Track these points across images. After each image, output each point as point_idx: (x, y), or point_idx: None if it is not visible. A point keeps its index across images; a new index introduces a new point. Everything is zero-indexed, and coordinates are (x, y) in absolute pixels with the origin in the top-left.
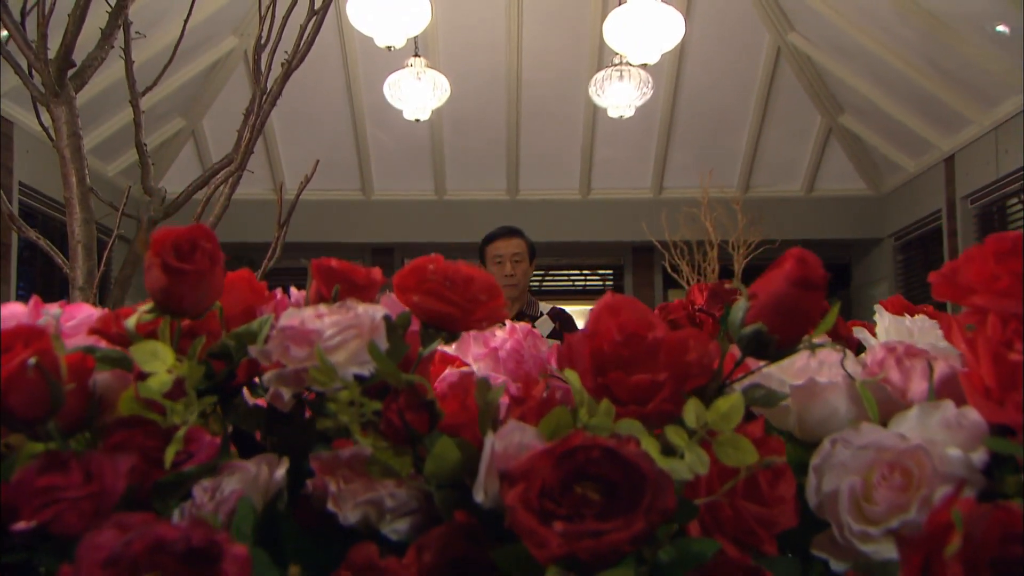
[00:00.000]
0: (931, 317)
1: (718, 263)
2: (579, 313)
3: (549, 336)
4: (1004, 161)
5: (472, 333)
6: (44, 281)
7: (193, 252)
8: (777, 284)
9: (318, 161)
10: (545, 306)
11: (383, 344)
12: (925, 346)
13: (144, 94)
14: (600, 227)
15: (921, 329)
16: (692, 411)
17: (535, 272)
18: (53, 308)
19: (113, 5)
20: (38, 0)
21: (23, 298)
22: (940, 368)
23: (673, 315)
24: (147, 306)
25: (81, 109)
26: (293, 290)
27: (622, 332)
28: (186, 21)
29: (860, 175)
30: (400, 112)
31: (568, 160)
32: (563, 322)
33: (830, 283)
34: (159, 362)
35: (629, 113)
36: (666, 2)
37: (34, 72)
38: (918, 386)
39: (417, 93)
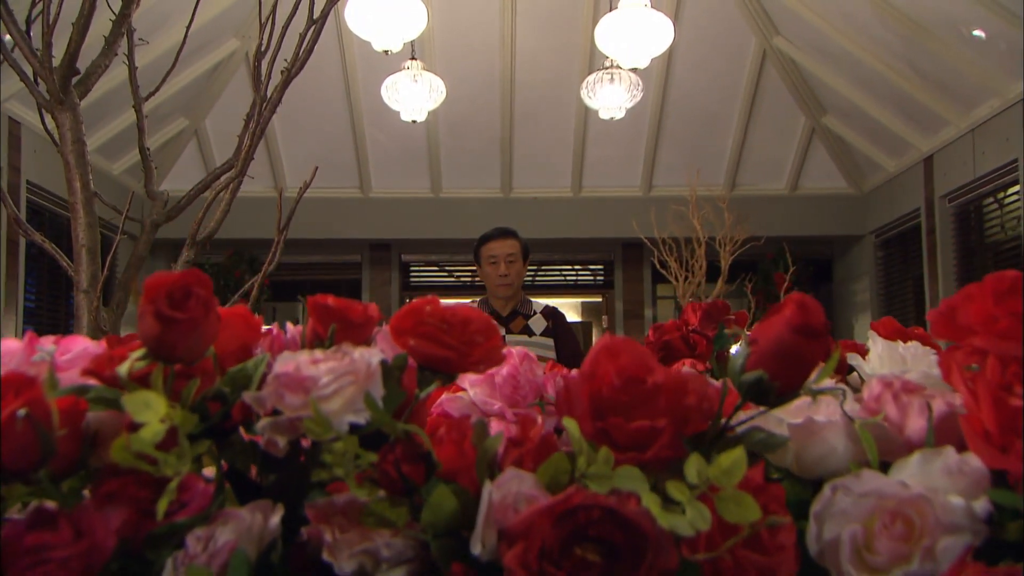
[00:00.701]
0: (923, 341)
1: (705, 260)
2: (571, 306)
3: (542, 334)
4: (981, 162)
5: None
6: (52, 278)
7: (187, 299)
8: (778, 330)
9: (316, 168)
10: (538, 304)
11: (379, 390)
12: (919, 375)
13: (147, 99)
14: (591, 224)
15: (914, 356)
16: (694, 467)
17: (528, 267)
18: (48, 344)
19: (117, 13)
20: (43, 9)
21: (31, 298)
22: (938, 407)
23: (668, 336)
24: (140, 352)
25: (87, 109)
26: (289, 326)
27: (621, 376)
28: (188, 27)
29: (842, 174)
30: (397, 113)
31: (560, 159)
32: (556, 320)
33: (812, 277)
34: (151, 412)
35: (620, 115)
36: (655, 8)
37: (39, 79)
38: (916, 423)
39: (414, 95)
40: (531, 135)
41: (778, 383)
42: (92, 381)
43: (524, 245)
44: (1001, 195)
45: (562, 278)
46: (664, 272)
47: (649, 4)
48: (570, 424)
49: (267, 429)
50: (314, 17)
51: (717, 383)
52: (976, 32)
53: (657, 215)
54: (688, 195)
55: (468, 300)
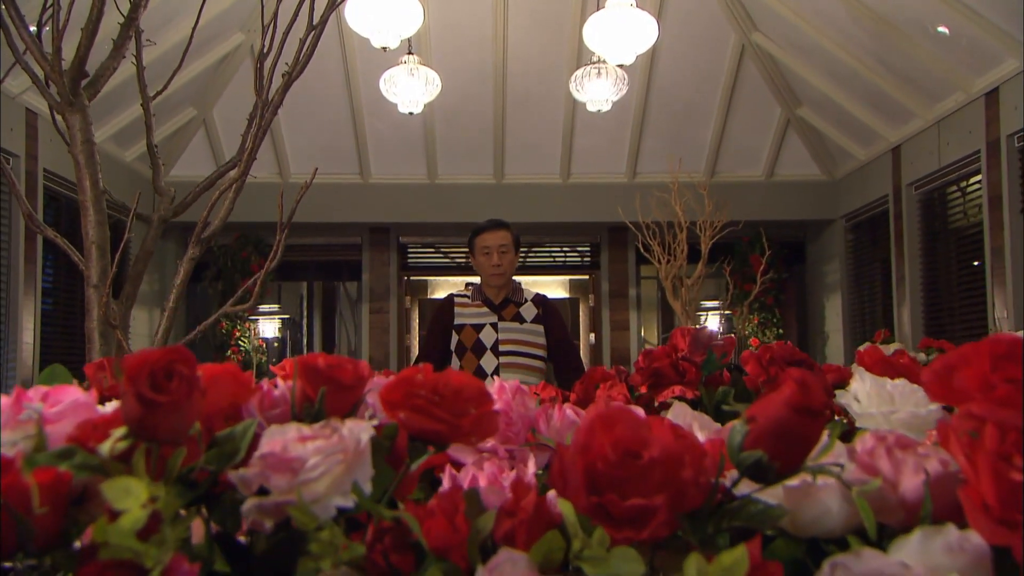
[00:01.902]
0: (909, 369)
1: (686, 243)
2: (559, 284)
3: (533, 321)
4: (945, 152)
5: None
6: (68, 261)
7: (169, 379)
8: (777, 409)
9: (316, 169)
10: (529, 292)
11: (369, 470)
12: (907, 415)
13: (155, 98)
14: (579, 209)
15: (902, 395)
16: (693, 567)
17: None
18: (35, 400)
19: (125, 16)
20: (52, 13)
21: (48, 278)
22: (933, 467)
23: (657, 363)
24: (122, 430)
25: (100, 99)
26: (280, 382)
27: (616, 450)
28: (194, 28)
29: (815, 162)
30: (395, 105)
31: (549, 148)
32: (546, 308)
33: (786, 259)
34: (132, 499)
35: (606, 108)
36: (640, 6)
37: (50, 82)
38: (911, 481)
39: (410, 88)
40: (522, 125)
41: (777, 463)
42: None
43: (516, 236)
44: (964, 184)
45: (551, 259)
46: (647, 255)
47: (634, 3)
48: (565, 507)
49: (253, 512)
50: (314, 23)
51: (711, 430)
52: (940, 28)
53: (641, 201)
54: (670, 182)
55: (462, 281)
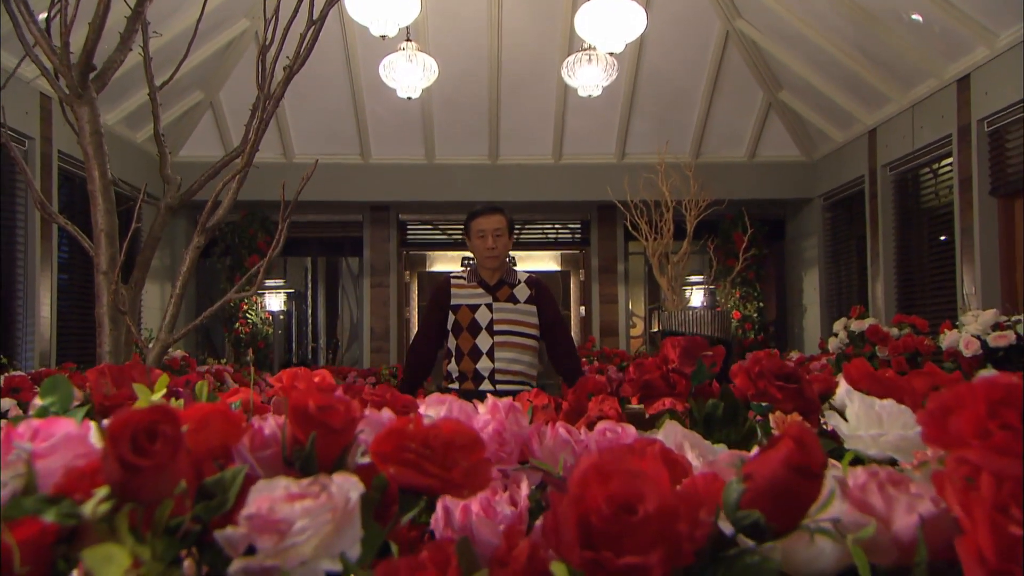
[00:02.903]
0: (894, 383)
1: (672, 222)
2: (551, 257)
3: (526, 301)
4: (919, 136)
5: (454, 412)
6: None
7: (153, 441)
8: (774, 468)
9: (317, 160)
10: (522, 274)
11: (358, 530)
12: (896, 437)
13: (162, 88)
14: (570, 188)
15: (890, 415)
16: None
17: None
18: (26, 435)
19: (132, 9)
20: (60, 9)
21: (64, 253)
22: (926, 508)
23: (648, 375)
24: (104, 491)
25: (111, 84)
26: (271, 420)
27: (611, 504)
28: (199, 21)
29: (795, 144)
30: (395, 89)
31: (542, 130)
32: (538, 289)
33: (766, 236)
34: (114, 567)
35: (596, 93)
36: None
37: (59, 75)
38: (903, 520)
39: (409, 74)
40: (516, 108)
41: (775, 523)
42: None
43: (510, 220)
44: (936, 166)
45: (544, 235)
46: (635, 233)
47: None
48: (558, 569)
49: (240, 574)
50: (314, 18)
51: (702, 448)
52: (915, 16)
53: (629, 181)
54: (657, 163)
55: (459, 255)
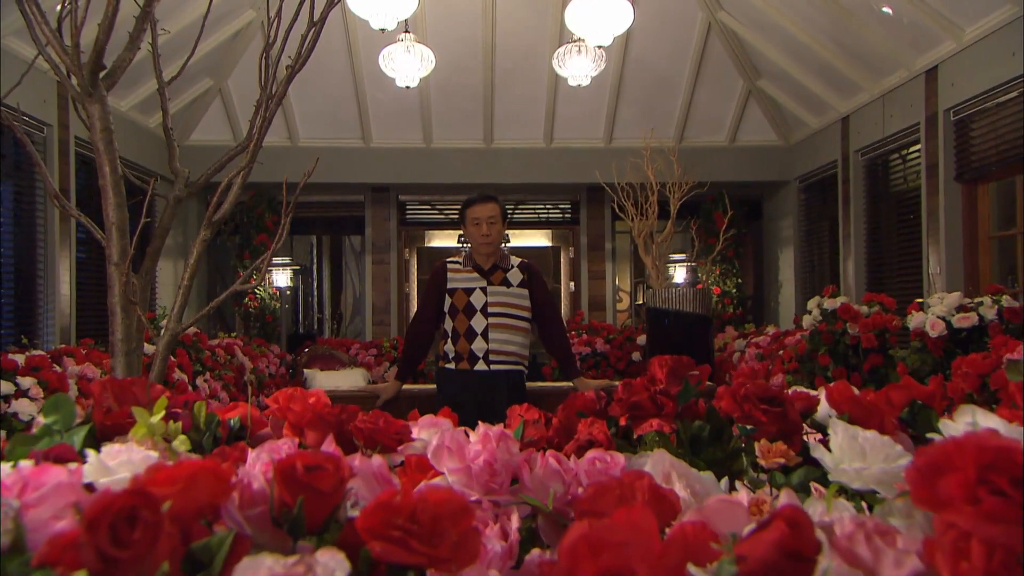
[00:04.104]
0: (875, 407)
1: (657, 203)
2: (543, 235)
3: (519, 285)
4: (889, 123)
5: (446, 442)
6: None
7: (132, 528)
8: (767, 551)
9: (318, 159)
10: (515, 259)
11: None
12: (879, 472)
13: (170, 83)
14: (560, 171)
15: (873, 448)
16: None
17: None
18: (14, 491)
19: (141, 7)
20: (70, 10)
21: (81, 234)
22: (913, 566)
23: (636, 397)
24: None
25: (126, 70)
26: (259, 472)
27: None
28: (205, 18)
29: (773, 129)
30: (393, 78)
31: (534, 116)
32: (530, 273)
33: (745, 216)
34: None
35: (586, 82)
36: None
37: (71, 74)
38: (890, 572)
39: (407, 64)
40: (509, 95)
41: None
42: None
43: (503, 208)
44: (904, 152)
45: (535, 215)
46: (621, 214)
47: None
48: None
49: None
50: (315, 20)
51: (689, 478)
52: (885, 9)
53: (617, 164)
54: (643, 147)
55: (456, 233)
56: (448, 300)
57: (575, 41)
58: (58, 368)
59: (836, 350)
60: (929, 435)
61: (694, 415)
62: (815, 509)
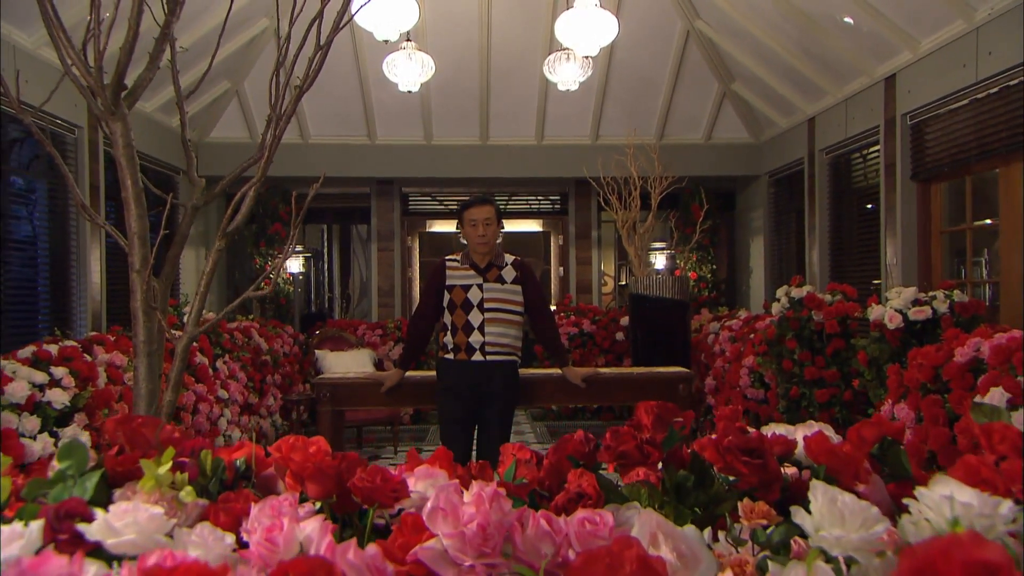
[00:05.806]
0: (851, 458)
1: (639, 196)
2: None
3: (512, 282)
4: (851, 125)
5: (440, 504)
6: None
7: None
8: None
9: (322, 175)
10: (509, 258)
11: None
12: (858, 539)
13: (188, 96)
14: (550, 166)
15: (852, 512)
16: None
17: (500, 196)
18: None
19: (160, 27)
20: (93, 33)
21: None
22: None
23: (623, 446)
24: None
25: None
26: None
27: None
28: (221, 34)
29: (745, 128)
30: (396, 83)
31: (526, 115)
32: (523, 271)
33: (719, 208)
34: None
35: (574, 88)
36: (603, 7)
37: (94, 94)
38: None
39: (409, 71)
40: (503, 96)
41: None
42: None
43: (499, 210)
44: (865, 152)
45: (527, 206)
46: (606, 207)
47: (599, 3)
48: None
49: None
50: (321, 43)
51: (675, 539)
52: (847, 19)
53: (602, 160)
54: (626, 144)
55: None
56: (447, 296)
57: (564, 49)
58: (88, 358)
59: (802, 335)
60: (905, 500)
61: (679, 461)
62: (797, 572)
